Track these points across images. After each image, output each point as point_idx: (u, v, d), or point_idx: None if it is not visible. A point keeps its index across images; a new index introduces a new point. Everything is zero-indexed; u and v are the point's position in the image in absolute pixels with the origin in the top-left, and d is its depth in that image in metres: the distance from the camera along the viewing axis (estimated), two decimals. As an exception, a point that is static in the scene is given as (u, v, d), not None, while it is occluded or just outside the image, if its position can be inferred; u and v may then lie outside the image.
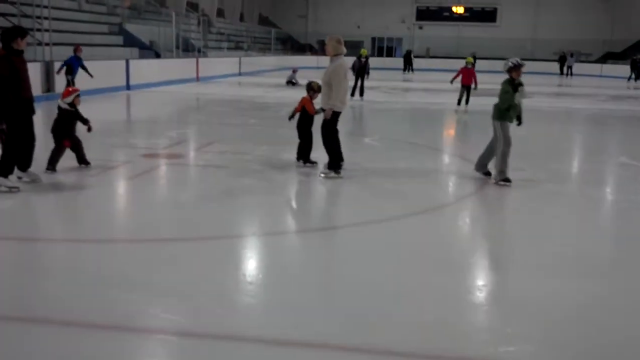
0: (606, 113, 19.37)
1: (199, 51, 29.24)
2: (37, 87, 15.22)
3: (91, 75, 16.42)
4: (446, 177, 9.01)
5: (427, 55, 47.92)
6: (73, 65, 16.05)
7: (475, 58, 40.58)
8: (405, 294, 4.51)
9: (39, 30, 17.33)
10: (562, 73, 41.67)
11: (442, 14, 51.83)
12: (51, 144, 7.98)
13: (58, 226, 6.28)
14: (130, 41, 23.99)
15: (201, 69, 26.95)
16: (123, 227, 6.20)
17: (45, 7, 17.87)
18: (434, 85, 27.76)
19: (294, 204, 7.39)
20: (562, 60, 42.42)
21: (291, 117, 9.00)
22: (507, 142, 8.01)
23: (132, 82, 20.56)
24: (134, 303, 4.19)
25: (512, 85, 8.03)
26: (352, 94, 18.22)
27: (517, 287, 4.70)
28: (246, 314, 4.16)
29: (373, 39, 53.13)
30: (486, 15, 51.49)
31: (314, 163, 8.84)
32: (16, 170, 7.11)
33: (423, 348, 3.69)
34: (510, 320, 4.12)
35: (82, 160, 8.23)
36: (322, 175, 8.20)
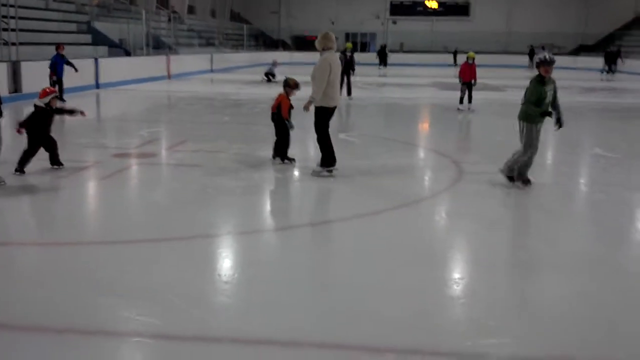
0: (580, 105, 19.52)
1: (169, 48, 28.91)
2: (3, 88, 14.90)
3: (76, 70, 16.33)
4: (423, 171, 8.96)
5: (401, 50, 48.03)
6: (57, 65, 15.82)
7: (533, 53, 40.56)
8: (383, 288, 4.44)
9: (5, 29, 16.96)
10: (530, 67, 42.05)
11: (415, 9, 52.04)
12: (19, 145, 7.76)
13: (28, 229, 6.09)
14: (99, 39, 23.63)
15: (172, 66, 26.64)
16: (95, 229, 6.04)
17: (12, 6, 17.48)
18: (409, 80, 27.80)
19: (269, 203, 7.27)
20: (531, 53, 42.81)
21: (272, 117, 8.81)
22: (527, 147, 7.30)
23: (101, 80, 20.23)
24: (108, 306, 4.07)
25: (541, 83, 7.28)
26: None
27: (496, 281, 4.65)
28: (222, 314, 4.07)
29: (347, 35, 53.06)
30: (459, 10, 51.82)
31: (292, 160, 8.72)
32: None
33: (402, 342, 3.63)
34: (490, 314, 4.05)
35: (55, 161, 8.02)
36: (314, 172, 8.06)
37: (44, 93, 7.98)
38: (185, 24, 36.72)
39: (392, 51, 44.55)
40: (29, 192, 7.17)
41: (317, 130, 8.03)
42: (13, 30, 17.23)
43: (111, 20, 26.37)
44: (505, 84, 27.36)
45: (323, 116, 7.96)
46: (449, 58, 44.05)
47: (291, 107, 8.78)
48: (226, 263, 5.08)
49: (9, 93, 15.35)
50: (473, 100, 15.89)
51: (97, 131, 12.46)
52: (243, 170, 8.42)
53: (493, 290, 4.48)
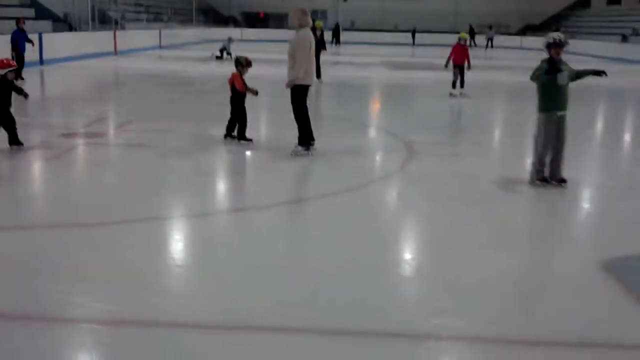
0: (527, 85, 19.89)
1: (116, 23, 28.18)
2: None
3: (33, 44, 16.12)
4: (373, 152, 9.01)
5: (352, 28, 48.01)
6: (18, 40, 15.33)
7: (473, 32, 40.49)
8: (339, 270, 4.48)
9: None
10: (471, 45, 42.70)
11: (366, -13, 51.93)
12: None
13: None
14: (43, 13, 22.86)
15: (119, 42, 26.00)
16: (44, 212, 5.89)
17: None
18: (361, 59, 27.82)
19: (221, 184, 7.22)
20: (471, 32, 43.47)
21: (252, 90, 8.72)
22: (546, 140, 6.66)
23: (45, 56, 19.60)
24: (60, 292, 3.99)
25: (551, 66, 6.66)
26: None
27: (447, 262, 4.74)
28: (176, 298, 4.04)
29: (298, 12, 52.66)
30: (409, -12, 51.97)
31: (249, 140, 8.66)
32: None
33: (357, 324, 3.67)
34: (439, 294, 4.14)
35: (14, 140, 7.77)
36: (293, 152, 8.01)
37: (4, 64, 7.69)
38: (132, -2, 35.83)
39: (344, 29, 44.49)
40: (-29, 174, 6.95)
41: (294, 109, 7.97)
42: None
43: (55, -7, 25.51)
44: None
45: (300, 94, 7.91)
46: (400, 37, 44.31)
47: (255, 93, 8.71)
48: (179, 246, 5.05)
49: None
50: (465, 84, 14.98)
51: (42, 110, 12.10)
52: (194, 150, 8.33)
53: (445, 271, 4.57)
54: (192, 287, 4.27)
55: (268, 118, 11.64)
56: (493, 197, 6.64)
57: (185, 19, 42.05)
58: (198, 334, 3.56)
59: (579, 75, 6.70)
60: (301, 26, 7.81)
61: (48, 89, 16.42)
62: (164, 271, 4.46)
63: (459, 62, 14.74)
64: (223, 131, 8.82)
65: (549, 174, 6.76)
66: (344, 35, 42.44)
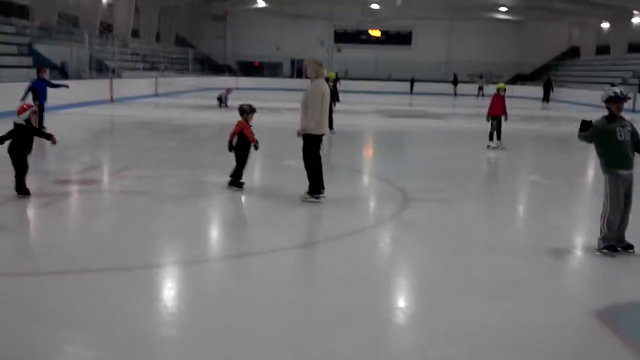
0: (518, 133, 20.15)
1: (113, 72, 28.53)
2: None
3: (67, 86, 15.91)
4: (367, 199, 9.06)
5: (346, 77, 48.71)
6: (39, 90, 14.83)
7: (457, 81, 40.95)
8: (331, 317, 4.47)
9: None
10: (455, 94, 43.80)
11: (359, 37, 52.93)
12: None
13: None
14: (41, 62, 23.11)
15: (115, 90, 26.27)
16: (37, 260, 5.86)
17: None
18: (355, 107, 28.12)
19: (215, 231, 7.23)
20: (455, 81, 44.50)
21: (230, 147, 8.76)
22: (613, 203, 5.99)
23: (47, 103, 19.73)
24: (51, 340, 3.98)
25: (611, 122, 6.03)
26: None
27: (438, 309, 4.74)
28: (168, 346, 4.01)
29: (292, 61, 53.47)
30: (402, 39, 52.98)
31: (240, 186, 8.69)
32: None
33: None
34: (435, 342, 4.13)
35: (20, 189, 7.79)
36: (302, 199, 8.07)
37: (22, 109, 7.79)
38: (129, 48, 36.32)
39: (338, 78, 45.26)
40: (-35, 221, 6.95)
41: (305, 158, 8.06)
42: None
43: (53, 43, 25.89)
44: (445, 112, 28.07)
45: (312, 144, 8.01)
46: (393, 85, 44.96)
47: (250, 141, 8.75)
48: (172, 294, 5.03)
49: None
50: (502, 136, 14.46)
51: (38, 156, 12.11)
52: (189, 197, 8.36)
53: (437, 318, 4.56)
54: (184, 335, 4.24)
55: (262, 164, 11.71)
56: (488, 245, 6.67)
57: (181, 68, 42.61)
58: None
59: (637, 148, 6.05)
60: (316, 77, 7.96)
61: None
62: (156, 319, 4.44)
63: (497, 113, 14.29)
64: (218, 178, 8.86)
65: (615, 240, 6.08)
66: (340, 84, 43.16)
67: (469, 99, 39.11)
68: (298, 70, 53.38)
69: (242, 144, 8.71)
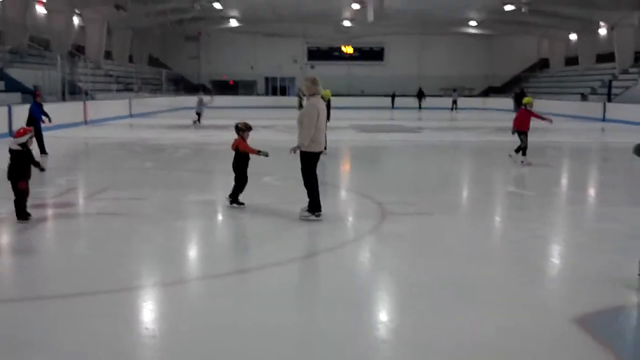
0: (491, 145, 20.41)
1: (86, 94, 28.34)
2: None
3: (49, 120, 15.47)
4: (346, 214, 9.08)
5: (320, 93, 49.00)
6: (35, 114, 14.61)
7: (422, 94, 41.80)
8: (313, 333, 4.46)
9: None
10: (420, 107, 44.67)
11: (332, 54, 53.36)
12: None
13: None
14: (13, 86, 22.92)
15: (89, 112, 26.09)
16: (14, 285, 5.78)
17: None
18: (330, 123, 28.23)
19: (194, 251, 7.18)
20: (420, 95, 45.23)
21: (261, 152, 8.80)
22: None
23: (15, 127, 19.54)
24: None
25: None
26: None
27: (421, 321, 4.76)
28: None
29: (266, 79, 53.73)
30: (374, 55, 53.53)
31: (241, 204, 8.69)
32: None
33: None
34: (417, 357, 4.15)
35: (21, 214, 7.71)
36: (301, 216, 8.08)
37: (21, 133, 7.65)
38: (102, 69, 36.15)
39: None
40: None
41: (304, 176, 8.08)
42: None
43: (25, 66, 25.67)
44: (419, 125, 28.33)
45: (309, 161, 8.05)
46: (367, 101, 45.32)
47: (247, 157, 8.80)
48: (152, 316, 4.98)
49: None
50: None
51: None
52: (167, 218, 8.31)
53: (419, 331, 4.58)
54: (165, 357, 4.20)
55: (230, 181, 11.68)
56: (467, 256, 6.72)
57: (155, 88, 42.48)
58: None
59: None
60: (311, 95, 8.03)
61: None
62: (137, 341, 4.40)
63: (525, 128, 14.01)
64: (195, 197, 8.83)
65: None
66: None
67: (442, 113, 39.51)
68: (272, 88, 53.60)
69: (239, 162, 8.72)
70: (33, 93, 15.48)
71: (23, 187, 7.65)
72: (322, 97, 14.45)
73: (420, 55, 52.56)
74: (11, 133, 19.41)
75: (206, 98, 27.10)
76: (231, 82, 52.81)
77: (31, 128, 8.08)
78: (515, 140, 14.27)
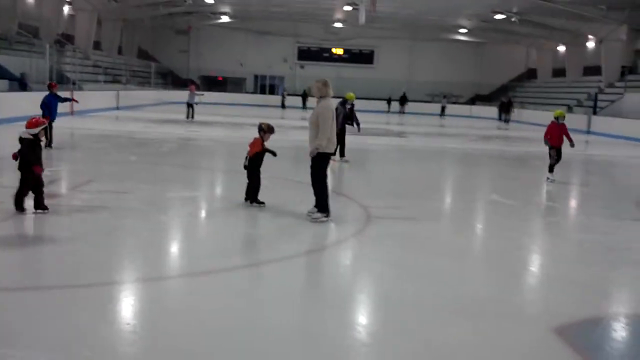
0: (477, 152, 20.55)
1: (73, 84, 28.14)
2: None
3: (77, 101, 15.80)
4: (332, 216, 9.10)
5: (308, 94, 49.09)
6: (50, 105, 14.35)
7: (405, 99, 41.89)
8: (291, 334, 4.49)
9: None
10: (402, 112, 45.00)
11: (322, 55, 53.43)
12: None
13: None
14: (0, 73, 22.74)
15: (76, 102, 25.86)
16: (-8, 275, 5.75)
17: None
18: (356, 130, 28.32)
19: (179, 246, 7.18)
20: (402, 100, 45.40)
21: (246, 165, 8.82)
22: None
23: (0, 116, 19.40)
24: (13, 357, 3.89)
25: None
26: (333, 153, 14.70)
27: (403, 327, 4.81)
28: (131, 365, 3.98)
29: (256, 77, 53.67)
30: (364, 58, 53.65)
31: (261, 204, 8.71)
32: None
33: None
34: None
35: (39, 205, 7.65)
36: (310, 217, 8.09)
37: (33, 123, 7.53)
38: (90, 60, 35.91)
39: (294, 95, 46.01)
40: None
41: (313, 176, 8.10)
42: None
43: (13, 53, 25.44)
44: (404, 130, 28.45)
45: (322, 162, 8.08)
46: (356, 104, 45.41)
47: (273, 154, 8.90)
48: (134, 311, 4.98)
49: None
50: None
51: (-5, 169, 11.89)
52: (151, 212, 8.30)
53: (397, 336, 4.63)
54: (147, 353, 4.21)
55: (223, 179, 11.70)
56: (450, 262, 6.78)
57: (143, 81, 42.25)
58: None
59: None
60: (322, 97, 8.07)
61: (1, 148, 16.15)
62: (118, 337, 4.40)
63: (555, 143, 13.15)
64: (180, 193, 8.82)
65: None
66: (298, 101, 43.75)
67: (429, 118, 39.68)
68: (261, 86, 53.55)
69: (252, 162, 8.77)
70: (49, 85, 15.12)
71: (39, 171, 7.58)
72: (346, 100, 14.10)
73: (409, 60, 52.78)
74: (-3, 120, 19.24)
75: (193, 87, 27.09)
76: (220, 78, 52.70)
77: (45, 120, 7.98)
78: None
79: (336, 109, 12.84)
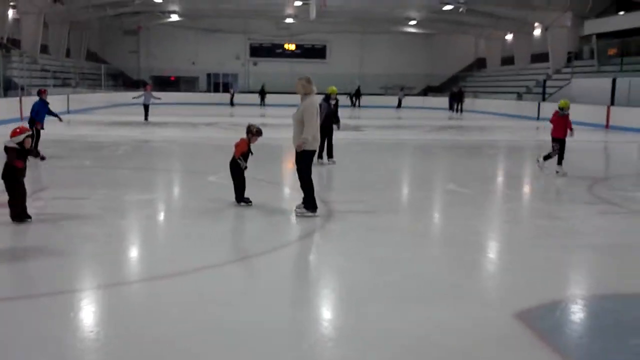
0: (433, 143, 20.83)
1: (22, 89, 27.44)
2: None
3: (60, 119, 15.12)
4: (292, 213, 9.12)
5: (264, 91, 48.88)
6: (40, 112, 13.94)
7: (359, 93, 41.74)
8: (255, 331, 4.50)
9: None
10: (355, 105, 45.34)
11: (275, 51, 53.32)
12: None
13: None
14: (-58, 80, 22.01)
15: (25, 107, 25.17)
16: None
17: None
18: (272, 120, 28.23)
19: (137, 251, 7.09)
20: (357, 94, 45.61)
21: (244, 166, 8.78)
22: None
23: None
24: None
25: None
26: (320, 155, 13.26)
27: (365, 319, 4.86)
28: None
29: (209, 75, 53.17)
30: (316, 52, 53.75)
31: (248, 203, 8.71)
32: None
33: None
34: (356, 351, 4.24)
35: (21, 214, 7.50)
36: (297, 213, 8.15)
37: (17, 132, 7.42)
38: (38, 64, 35.05)
39: (253, 92, 45.72)
40: None
41: (300, 173, 8.18)
42: None
43: (-44, 60, 24.68)
44: (359, 123, 28.63)
45: (307, 159, 8.16)
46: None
47: (250, 152, 8.83)
48: (94, 318, 4.90)
49: None
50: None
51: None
52: (108, 217, 8.18)
53: (364, 328, 4.68)
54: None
55: (183, 181, 11.60)
56: (411, 253, 6.88)
57: (93, 84, 41.46)
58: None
59: None
60: (306, 94, 8.14)
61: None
62: (80, 345, 4.34)
63: (559, 135, 12.64)
64: (137, 196, 8.72)
65: None
66: (254, 98, 43.56)
67: (384, 111, 39.99)
68: (215, 84, 53.12)
69: (235, 162, 8.72)
70: (38, 91, 14.75)
71: (20, 165, 7.47)
72: (329, 96, 13.84)
73: (361, 54, 53.07)
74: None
75: (147, 89, 26.77)
76: (172, 78, 52.10)
77: (28, 128, 7.87)
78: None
79: (320, 105, 12.86)
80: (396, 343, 4.41)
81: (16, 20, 35.40)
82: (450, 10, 38.95)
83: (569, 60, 37.38)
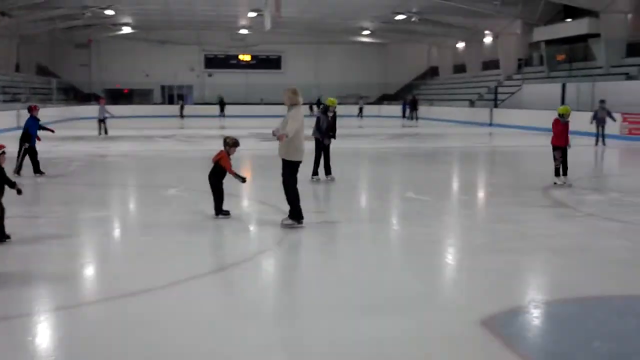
0: (390, 151, 21.01)
1: (-32, 106, 26.69)
2: None
3: (52, 131, 14.72)
4: (252, 225, 9.06)
5: (222, 102, 48.66)
6: (30, 129, 13.49)
7: (320, 103, 41.52)
8: (214, 349, 4.45)
9: None
10: (311, 112, 44.83)
11: (229, 62, 53.14)
12: None
13: None
14: None
15: (-27, 125, 24.58)
16: None
17: None
18: (229, 132, 28.07)
19: (96, 270, 6.92)
20: (318, 103, 45.69)
21: (238, 175, 8.79)
22: None
23: None
24: None
25: None
26: (316, 172, 12.89)
27: (328, 331, 4.85)
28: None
29: (163, 87, 52.66)
30: (272, 63, 53.79)
31: (226, 214, 8.68)
32: None
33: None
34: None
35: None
36: (284, 224, 8.10)
37: None
38: (-15, 79, 34.15)
39: (208, 103, 45.44)
40: None
41: (285, 184, 8.15)
42: None
43: None
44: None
45: (292, 170, 8.15)
46: (266, 109, 45.47)
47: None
48: (52, 343, 4.75)
49: None
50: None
51: None
52: (65, 235, 7.99)
53: (326, 340, 4.67)
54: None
55: (139, 194, 11.43)
56: (374, 262, 6.90)
57: (44, 98, 40.54)
58: None
59: None
60: (292, 105, 8.11)
61: None
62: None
63: (561, 143, 11.90)
64: (93, 213, 8.55)
65: None
66: (209, 109, 43.29)
67: (343, 120, 40.19)
68: (169, 96, 52.60)
69: (216, 175, 8.68)
70: (29, 107, 14.32)
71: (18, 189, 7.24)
72: (327, 108, 13.34)
73: (317, 64, 53.28)
74: None
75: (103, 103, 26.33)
76: (125, 91, 51.39)
77: (4, 145, 7.58)
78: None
79: (318, 119, 12.81)
80: (359, 353, 4.40)
81: (-38, 36, 34.48)
82: (403, 19, 39.46)
83: (519, 66, 38.23)
